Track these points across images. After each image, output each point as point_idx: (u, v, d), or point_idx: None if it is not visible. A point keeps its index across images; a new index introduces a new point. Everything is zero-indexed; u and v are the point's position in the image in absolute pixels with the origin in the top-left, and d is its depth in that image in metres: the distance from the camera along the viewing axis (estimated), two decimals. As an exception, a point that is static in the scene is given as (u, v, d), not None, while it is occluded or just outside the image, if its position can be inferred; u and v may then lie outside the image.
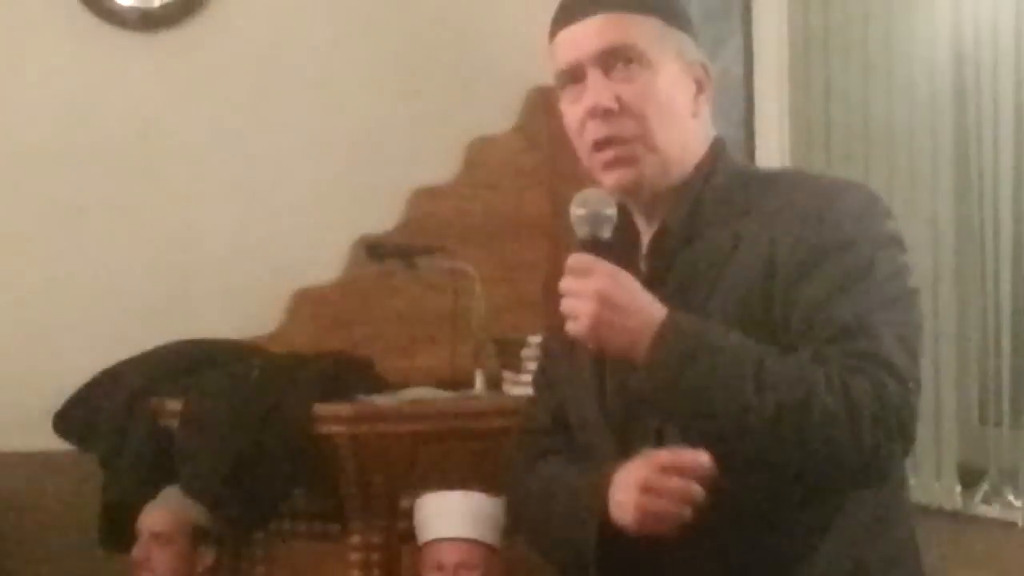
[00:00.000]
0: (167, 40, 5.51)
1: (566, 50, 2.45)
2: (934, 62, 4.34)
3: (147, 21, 5.54)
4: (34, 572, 5.21)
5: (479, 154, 5.68)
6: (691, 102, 2.49)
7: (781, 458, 2.29)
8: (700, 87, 2.52)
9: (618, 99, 2.40)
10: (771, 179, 2.60)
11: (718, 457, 2.28)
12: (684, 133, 2.49)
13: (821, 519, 2.39)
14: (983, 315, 4.27)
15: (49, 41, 5.46)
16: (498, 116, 5.71)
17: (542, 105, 5.63)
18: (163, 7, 5.56)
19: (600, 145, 2.42)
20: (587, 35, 2.46)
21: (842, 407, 2.23)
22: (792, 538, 2.41)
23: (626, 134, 2.43)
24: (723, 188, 2.51)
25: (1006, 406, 4.13)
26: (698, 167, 2.50)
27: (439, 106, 5.64)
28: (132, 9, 5.52)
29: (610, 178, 2.43)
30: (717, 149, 2.52)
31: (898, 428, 2.25)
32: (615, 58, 2.41)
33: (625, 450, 2.37)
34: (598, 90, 2.40)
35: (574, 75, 2.42)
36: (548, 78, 4.99)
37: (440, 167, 5.63)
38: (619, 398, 2.45)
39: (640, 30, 2.46)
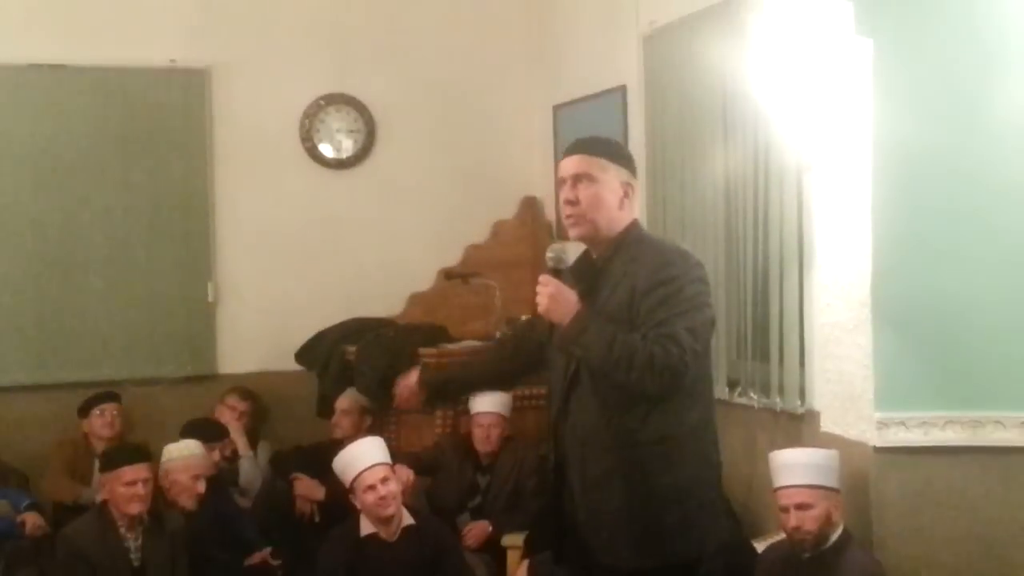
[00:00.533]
0: (349, 173, 7.11)
1: (561, 170, 3.25)
2: (715, 181, 5.26)
3: (340, 163, 7.09)
4: (286, 426, 6.70)
5: (498, 228, 7.26)
6: (618, 201, 3.23)
7: (620, 380, 3.03)
8: (626, 193, 3.24)
9: (577, 197, 3.20)
10: (648, 244, 3.22)
11: (595, 375, 3.10)
12: (611, 216, 3.22)
13: (647, 408, 3.10)
14: (738, 304, 5.16)
15: (289, 174, 7.03)
16: (508, 209, 7.28)
17: (528, 204, 7.25)
18: (348, 157, 7.08)
19: (567, 215, 3.23)
20: (569, 165, 3.25)
21: (647, 360, 2.97)
22: (633, 416, 3.12)
23: (576, 213, 3.22)
24: (625, 246, 3.21)
25: (749, 350, 5.13)
26: (620, 233, 3.23)
27: (479, 205, 7.21)
28: (333, 158, 7.07)
29: (570, 232, 3.28)
30: (631, 227, 3.24)
31: (673, 371, 2.98)
32: (578, 179, 3.20)
33: (561, 360, 3.23)
34: (567, 192, 3.21)
35: (563, 181, 3.23)
36: (533, 191, 6.80)
37: (479, 235, 7.22)
38: (558, 343, 3.16)
39: (593, 164, 3.22)
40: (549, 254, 3.28)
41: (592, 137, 3.39)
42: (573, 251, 3.39)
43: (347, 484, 4.74)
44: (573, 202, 3.23)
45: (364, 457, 4.73)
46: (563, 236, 5.59)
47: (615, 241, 3.24)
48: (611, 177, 3.23)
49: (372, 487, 4.62)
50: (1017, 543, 3.99)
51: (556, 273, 3.22)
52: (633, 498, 3.16)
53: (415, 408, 3.85)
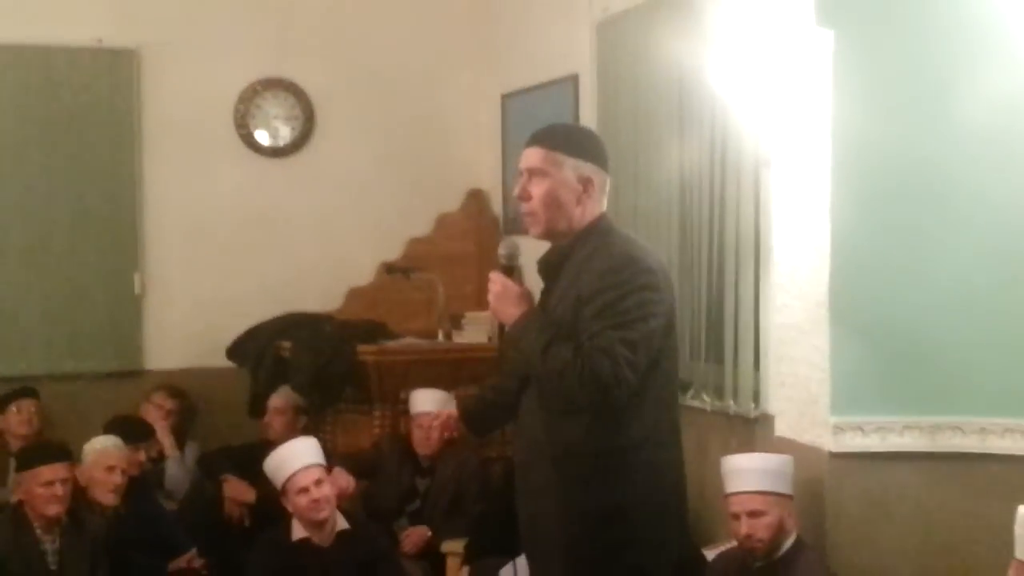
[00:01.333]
0: (286, 162, 7.09)
1: (520, 160, 3.25)
2: (670, 176, 5.27)
3: (277, 152, 7.06)
4: (216, 425, 6.66)
5: (442, 221, 7.26)
6: (575, 197, 3.17)
7: (554, 390, 3.06)
8: (585, 188, 3.17)
9: (529, 192, 3.18)
10: (605, 243, 3.15)
11: (534, 379, 3.13)
12: (567, 214, 3.17)
13: (590, 418, 3.06)
14: (692, 304, 5.14)
15: (223, 162, 7.01)
16: (453, 201, 7.29)
17: (474, 197, 7.28)
18: (285, 145, 7.06)
19: (522, 211, 3.24)
20: (525, 156, 3.23)
21: (577, 373, 2.95)
22: (575, 426, 3.09)
23: (529, 210, 3.21)
24: (586, 242, 3.16)
25: (702, 351, 5.14)
26: (584, 228, 3.18)
27: (425, 197, 7.23)
28: (269, 146, 7.05)
29: (529, 230, 3.25)
30: (597, 221, 3.19)
31: (602, 386, 2.94)
32: (530, 172, 3.19)
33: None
34: (521, 186, 3.20)
35: (519, 174, 3.23)
36: (479, 183, 6.86)
37: (422, 228, 7.22)
38: (501, 345, 3.24)
39: (547, 159, 3.18)
40: (501, 251, 3.29)
41: (551, 127, 3.37)
42: (530, 247, 3.37)
43: (279, 486, 4.70)
44: (524, 198, 3.23)
45: (297, 458, 4.69)
46: (510, 231, 5.73)
47: (577, 236, 3.22)
48: (567, 172, 3.19)
49: (305, 489, 4.58)
50: (974, 552, 4.02)
51: (507, 270, 3.23)
52: (570, 511, 3.13)
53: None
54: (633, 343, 3.00)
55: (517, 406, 3.33)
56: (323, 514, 4.59)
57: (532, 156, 3.23)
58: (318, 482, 4.61)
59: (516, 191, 3.24)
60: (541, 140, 3.25)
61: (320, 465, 4.70)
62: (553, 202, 3.18)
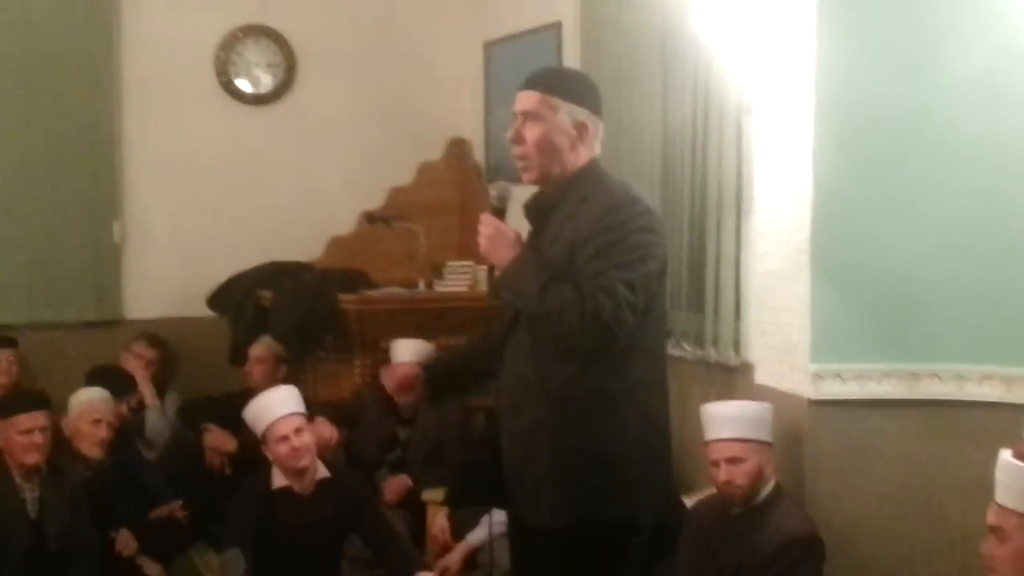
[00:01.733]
0: (267, 110, 7.07)
1: (515, 103, 3.21)
2: (652, 124, 5.30)
3: (258, 99, 7.04)
4: (196, 374, 6.67)
5: (424, 170, 7.26)
6: (569, 142, 3.15)
7: (550, 331, 3.01)
8: (580, 134, 3.16)
9: (523, 135, 3.16)
10: (600, 185, 3.14)
11: (526, 320, 3.09)
12: (561, 159, 3.16)
13: (583, 361, 3.04)
14: (673, 252, 4.90)
15: (203, 109, 6.98)
16: (435, 150, 7.28)
17: (456, 146, 7.28)
18: (266, 93, 7.04)
19: (514, 155, 3.19)
20: (520, 99, 3.20)
21: (578, 313, 2.93)
22: (568, 369, 3.07)
23: (522, 154, 3.19)
24: (577, 186, 3.15)
25: (683, 299, 5.15)
26: (574, 172, 3.16)
27: (406, 146, 7.22)
28: (250, 94, 7.03)
29: (522, 176, 3.21)
30: (587, 166, 3.17)
31: (603, 327, 2.93)
32: (525, 116, 3.16)
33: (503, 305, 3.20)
34: (515, 129, 3.17)
35: (513, 117, 3.19)
36: (462, 132, 6.87)
37: (405, 176, 7.21)
38: (492, 287, 3.17)
39: (541, 102, 3.16)
40: (492, 192, 3.27)
41: (548, 70, 3.34)
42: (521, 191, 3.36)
43: (259, 435, 4.69)
44: (517, 141, 3.20)
45: (277, 406, 4.68)
46: (493, 180, 5.71)
47: (568, 180, 3.19)
48: (562, 117, 3.17)
49: (285, 438, 4.58)
50: (952, 498, 4.05)
51: (499, 213, 3.21)
52: (559, 456, 3.11)
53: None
54: (633, 284, 3.00)
55: (482, 369, 3.35)
56: (303, 462, 4.59)
57: (527, 99, 3.20)
58: (298, 430, 4.59)
59: (509, 134, 3.22)
60: (537, 83, 3.22)
61: (300, 414, 4.68)
62: (547, 146, 3.17)
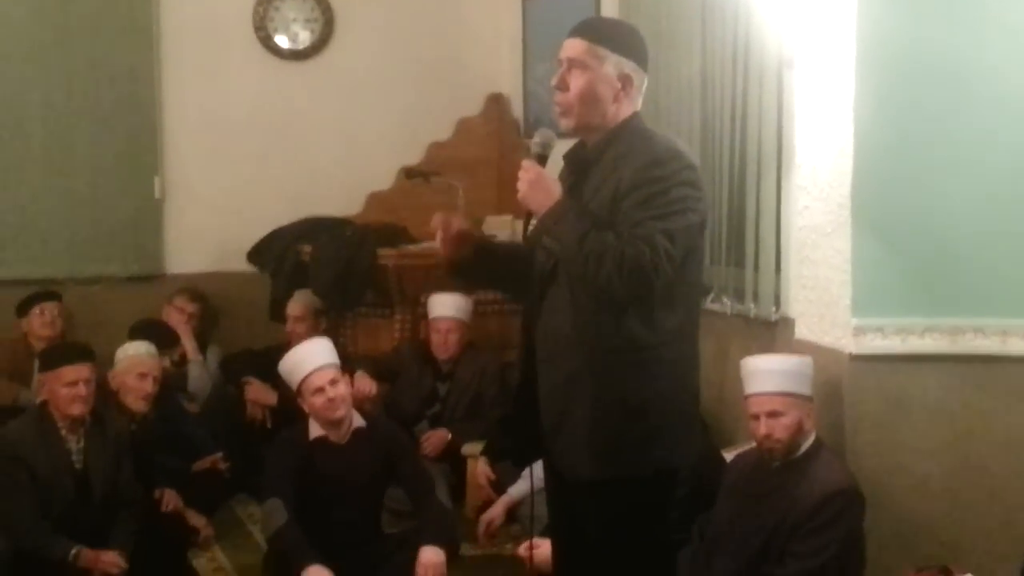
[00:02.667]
0: (306, 65, 7.11)
1: (561, 50, 3.18)
2: (692, 78, 5.31)
3: (296, 55, 7.06)
4: (237, 329, 6.76)
5: (463, 126, 7.25)
6: (613, 94, 3.13)
7: (589, 278, 2.98)
8: (624, 86, 3.13)
9: (566, 83, 3.14)
10: (643, 139, 3.11)
11: (566, 267, 3.05)
12: (603, 110, 3.14)
13: (621, 311, 3.03)
14: (713, 207, 5.01)
15: (242, 65, 7.02)
16: (474, 106, 7.26)
17: (495, 101, 7.25)
18: (304, 48, 7.05)
19: (555, 101, 3.17)
20: (566, 47, 3.17)
21: (617, 260, 2.92)
22: (606, 319, 3.06)
23: (564, 102, 3.16)
24: (620, 139, 3.12)
25: (723, 254, 5.15)
26: (617, 125, 3.14)
27: (445, 101, 7.21)
28: (288, 49, 7.04)
29: (560, 123, 3.19)
30: (629, 120, 3.15)
31: (642, 274, 2.92)
32: (570, 63, 3.13)
33: (540, 254, 3.19)
34: (560, 76, 3.15)
35: (558, 64, 3.16)
36: (500, 87, 6.87)
37: (444, 132, 7.20)
38: (532, 232, 3.11)
39: (587, 51, 3.14)
40: (535, 139, 3.22)
41: (597, 19, 3.33)
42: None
43: (294, 387, 4.70)
44: (561, 88, 3.17)
45: (311, 359, 4.68)
46: (531, 136, 5.67)
47: (611, 133, 3.17)
48: (608, 68, 3.14)
49: (320, 389, 4.58)
50: (993, 454, 4.03)
51: (541, 159, 3.18)
52: (597, 406, 3.10)
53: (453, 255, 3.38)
54: (672, 235, 2.98)
55: (513, 269, 3.33)
56: (339, 413, 4.60)
57: (574, 47, 3.17)
58: (333, 381, 4.60)
59: (554, 81, 3.18)
60: (585, 32, 3.19)
61: (334, 365, 4.68)
62: (590, 96, 3.14)
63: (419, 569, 4.41)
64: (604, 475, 3.13)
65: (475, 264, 3.38)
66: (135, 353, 5.24)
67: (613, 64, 3.14)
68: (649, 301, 3.04)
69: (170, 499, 5.10)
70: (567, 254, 3.06)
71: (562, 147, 3.28)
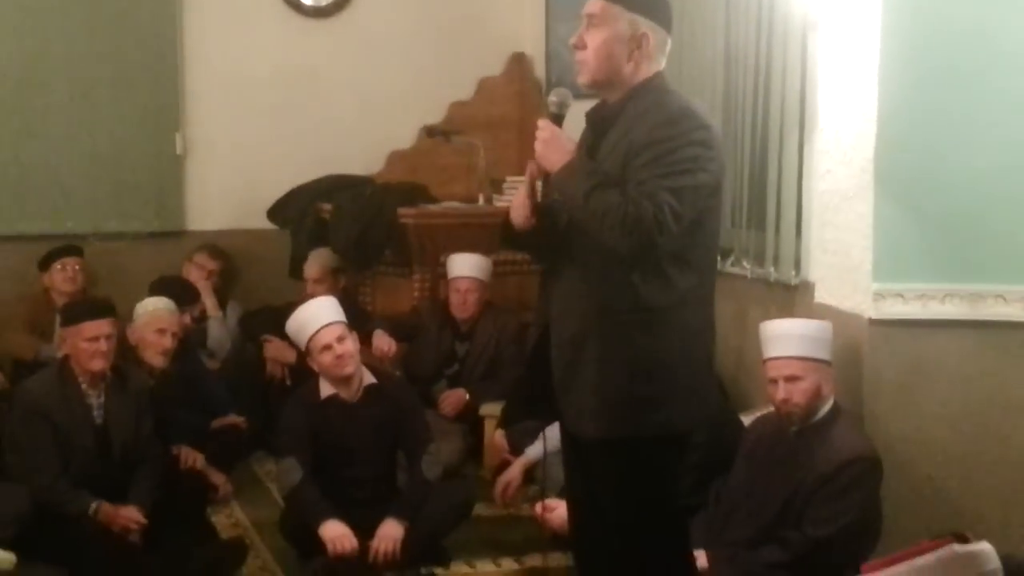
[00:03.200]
0: (327, 22, 7.08)
1: (583, 7, 3.20)
2: (715, 40, 5.32)
3: (318, 12, 7.03)
4: (257, 286, 6.78)
5: (484, 85, 7.23)
6: (627, 52, 3.14)
7: (594, 234, 3.02)
8: (640, 44, 3.13)
9: (583, 40, 3.16)
10: (659, 98, 3.13)
11: (578, 222, 3.08)
12: (618, 66, 3.14)
13: (630, 270, 3.04)
14: (734, 170, 5.11)
15: (264, 22, 6.98)
16: (496, 65, 7.24)
17: (517, 61, 7.22)
18: (327, 5, 7.03)
19: (576, 58, 3.19)
20: (587, 5, 3.18)
21: (620, 217, 2.94)
22: (616, 278, 3.07)
23: (581, 58, 3.18)
24: (638, 98, 3.14)
25: (744, 217, 5.20)
26: (637, 85, 3.15)
27: (469, 61, 7.17)
28: (311, 6, 7.01)
29: (578, 77, 3.21)
30: (651, 80, 3.16)
31: (644, 231, 2.93)
32: (589, 21, 3.15)
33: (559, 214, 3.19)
34: (578, 34, 3.18)
35: (582, 19, 3.18)
36: (522, 47, 6.83)
37: (466, 91, 7.19)
38: (545, 188, 3.09)
39: (604, 8, 3.14)
40: (552, 98, 3.23)
41: None
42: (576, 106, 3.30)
43: (303, 347, 4.70)
44: (579, 46, 3.18)
45: (317, 317, 4.68)
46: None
47: (630, 91, 3.17)
48: (622, 25, 3.15)
49: (328, 347, 4.57)
50: (1012, 421, 4.02)
51: (557, 119, 3.18)
52: (605, 365, 3.11)
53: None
54: (679, 191, 2.99)
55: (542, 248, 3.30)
56: (348, 369, 4.58)
57: (592, 5, 3.19)
58: (340, 338, 4.58)
59: (573, 39, 3.21)
60: None
61: (341, 322, 4.66)
62: (605, 54, 3.15)
63: (375, 540, 4.39)
64: (610, 434, 3.16)
65: (534, 234, 3.28)
66: (154, 308, 5.26)
67: (628, 22, 3.15)
68: (659, 262, 3.06)
69: (188, 456, 5.13)
70: (575, 211, 3.08)
71: (584, 107, 3.26)
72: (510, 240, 3.37)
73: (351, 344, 4.62)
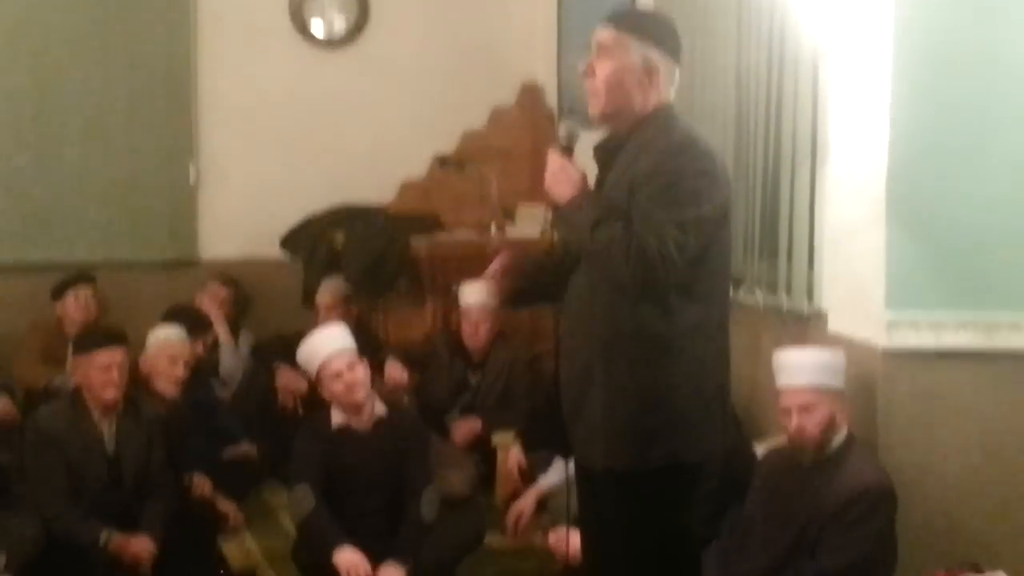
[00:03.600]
0: (340, 52, 7.15)
1: (592, 37, 3.24)
2: (727, 68, 5.29)
3: (331, 42, 7.10)
4: (269, 315, 6.76)
5: (496, 114, 7.24)
6: (636, 82, 3.15)
7: (599, 267, 3.06)
8: (649, 76, 3.15)
9: (593, 69, 3.18)
10: (665, 130, 3.14)
11: (583, 255, 3.12)
12: (628, 97, 3.16)
13: (637, 301, 3.05)
14: (746, 199, 5.12)
15: (277, 51, 7.05)
16: (508, 95, 7.25)
17: (529, 90, 7.24)
18: (340, 35, 7.08)
19: (586, 88, 3.21)
20: (596, 34, 3.22)
21: (624, 250, 2.96)
22: (623, 308, 3.08)
23: (591, 87, 3.20)
24: (644, 129, 3.15)
25: (756, 247, 5.11)
26: (642, 118, 3.16)
27: (479, 90, 7.18)
28: (324, 36, 7.07)
29: (589, 108, 3.22)
30: (659, 111, 3.17)
31: (648, 265, 2.95)
32: (599, 50, 3.18)
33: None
34: (589, 62, 3.19)
35: (591, 49, 3.21)
36: (534, 76, 6.86)
37: (478, 120, 7.19)
38: (553, 221, 3.25)
39: (616, 39, 3.17)
40: (560, 131, 3.26)
41: (630, 10, 3.41)
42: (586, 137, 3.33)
43: (313, 375, 4.69)
44: (589, 75, 3.21)
45: (327, 344, 4.67)
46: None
47: (636, 123, 3.19)
48: (632, 56, 3.17)
49: (338, 374, 4.56)
50: (1028, 452, 3.98)
51: (566, 151, 3.20)
52: (611, 395, 3.11)
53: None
54: (683, 225, 2.99)
55: (559, 286, 3.29)
56: (359, 397, 4.57)
57: (603, 35, 3.21)
58: (351, 365, 4.57)
59: (582, 67, 3.23)
60: (614, 20, 3.23)
61: (351, 349, 4.65)
62: (614, 84, 3.17)
63: None
64: (618, 465, 3.14)
65: (530, 290, 3.39)
66: (165, 337, 5.27)
67: (638, 53, 3.17)
68: (667, 292, 3.05)
69: (200, 484, 5.11)
70: (580, 244, 3.10)
71: (593, 138, 3.27)
72: (517, 301, 3.47)
73: (362, 372, 4.61)
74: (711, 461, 3.22)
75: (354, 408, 4.59)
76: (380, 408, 4.69)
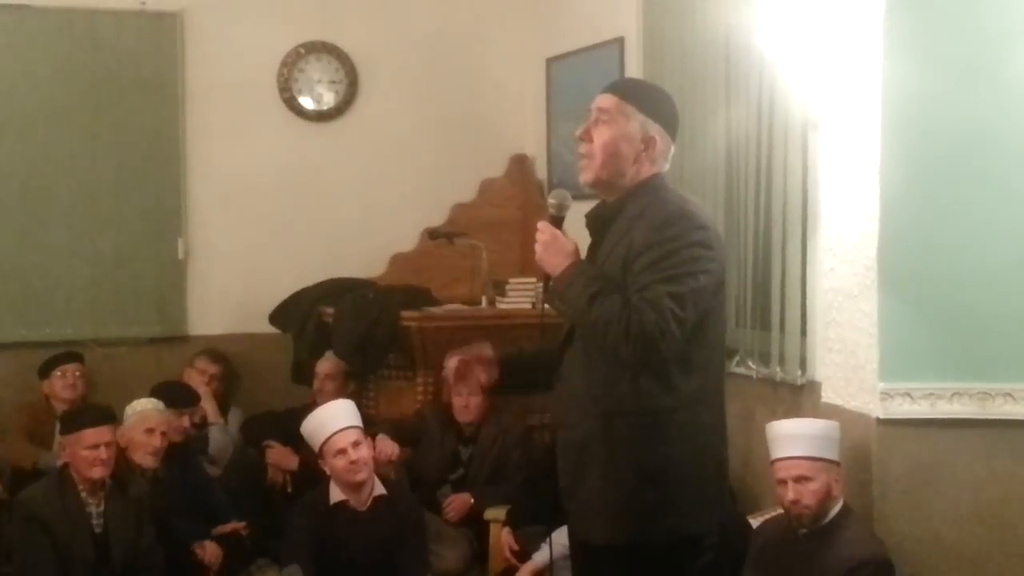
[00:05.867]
0: (330, 126, 7.13)
1: (592, 102, 3.26)
2: (716, 139, 5.27)
3: (320, 116, 7.09)
4: (258, 391, 6.75)
5: (486, 187, 7.28)
6: (634, 153, 3.17)
7: (598, 343, 3.06)
8: (647, 147, 3.18)
9: (589, 134, 3.20)
10: (659, 199, 3.15)
11: (579, 330, 3.14)
12: (623, 166, 3.18)
13: (635, 374, 3.05)
14: (737, 269, 5.12)
15: (266, 126, 7.03)
16: (498, 167, 7.29)
17: (519, 162, 7.29)
18: (328, 109, 7.08)
19: (579, 152, 3.23)
20: (597, 100, 3.24)
21: (623, 325, 2.96)
22: (620, 382, 3.09)
23: (585, 152, 3.22)
24: (637, 198, 3.15)
25: (748, 317, 5.15)
26: (634, 187, 3.18)
27: (469, 162, 7.22)
28: (312, 110, 7.07)
29: (579, 175, 3.24)
30: (651, 181, 3.18)
31: (647, 339, 2.95)
32: (599, 116, 3.19)
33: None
34: (586, 127, 3.22)
35: (589, 113, 3.23)
36: (524, 148, 6.85)
37: (467, 193, 7.23)
38: (546, 296, 3.17)
39: (618, 106, 3.19)
40: (551, 200, 3.27)
41: (632, 80, 3.44)
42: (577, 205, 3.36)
43: (316, 448, 4.68)
44: (584, 139, 3.23)
45: (334, 420, 4.69)
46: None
47: (628, 192, 3.21)
48: (633, 126, 3.20)
49: (343, 451, 4.58)
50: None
51: (556, 221, 3.22)
52: (611, 469, 3.11)
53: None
54: (681, 297, 2.99)
55: (552, 367, 3.30)
56: (361, 475, 4.59)
57: (604, 100, 3.23)
58: (356, 444, 4.60)
59: (578, 131, 3.25)
60: (617, 88, 3.27)
61: (357, 427, 4.66)
62: (613, 151, 3.18)
63: None
64: (617, 540, 3.14)
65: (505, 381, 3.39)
66: (142, 409, 5.24)
67: (639, 123, 3.19)
68: (664, 364, 3.05)
69: (211, 552, 5.10)
70: (576, 318, 3.11)
71: (583, 207, 3.31)
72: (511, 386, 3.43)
73: (366, 450, 4.63)
74: (710, 533, 3.21)
75: (354, 486, 4.57)
76: (379, 488, 4.69)
